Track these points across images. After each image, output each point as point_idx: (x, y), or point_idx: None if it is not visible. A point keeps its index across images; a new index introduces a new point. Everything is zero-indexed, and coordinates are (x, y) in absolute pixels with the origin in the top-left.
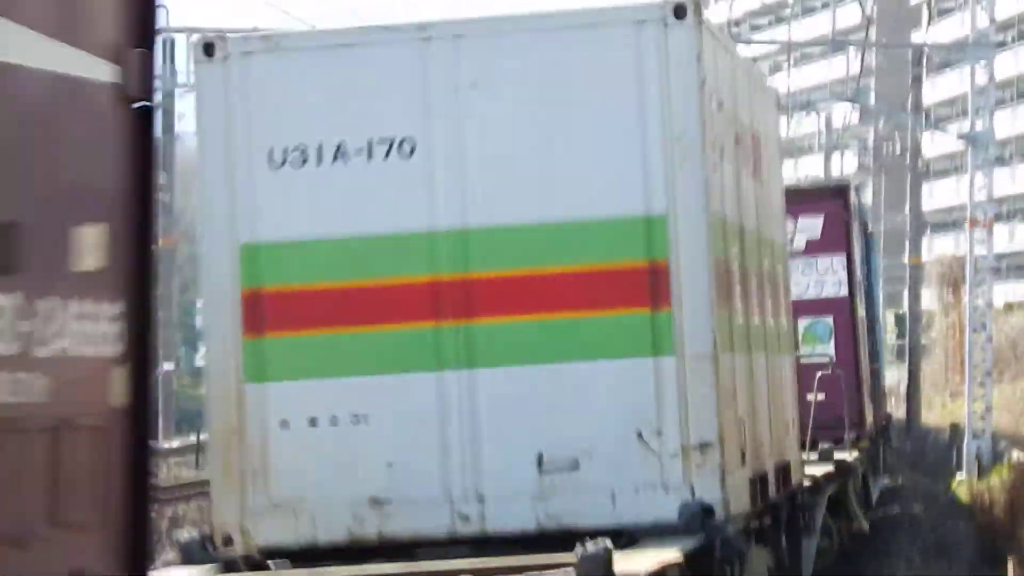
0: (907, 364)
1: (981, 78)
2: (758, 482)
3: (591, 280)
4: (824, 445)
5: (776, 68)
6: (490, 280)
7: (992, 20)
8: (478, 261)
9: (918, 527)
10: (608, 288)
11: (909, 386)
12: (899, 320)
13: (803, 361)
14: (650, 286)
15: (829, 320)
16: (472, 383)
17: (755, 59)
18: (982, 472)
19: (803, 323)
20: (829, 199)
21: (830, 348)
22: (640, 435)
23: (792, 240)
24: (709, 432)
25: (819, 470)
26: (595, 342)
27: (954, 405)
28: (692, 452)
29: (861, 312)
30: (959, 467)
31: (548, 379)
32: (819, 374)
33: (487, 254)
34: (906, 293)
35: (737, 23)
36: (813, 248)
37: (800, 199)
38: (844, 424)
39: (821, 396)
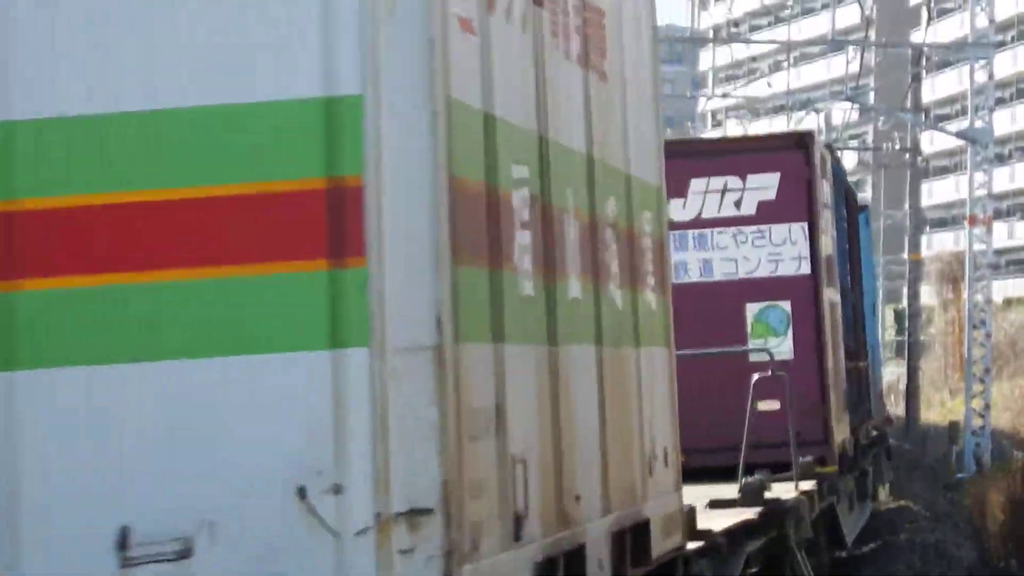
0: (906, 361)
1: (980, 77)
2: (561, 564)
3: (224, 212)
4: (750, 478)
5: (776, 68)
6: (48, 213)
7: (991, 21)
8: (29, 180)
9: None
10: (254, 226)
11: (909, 384)
12: (898, 316)
13: (752, 359)
14: (329, 223)
15: (786, 306)
16: (7, 397)
17: (755, 59)
18: (981, 472)
19: (752, 309)
20: (787, 152)
21: (786, 341)
22: (302, 494)
23: (739, 203)
24: (427, 489)
25: (731, 519)
26: (227, 324)
27: (954, 403)
28: (394, 526)
29: (832, 297)
30: (959, 468)
31: (139, 390)
32: (755, 376)
33: (46, 168)
34: (905, 289)
35: (737, 23)
36: (766, 214)
37: (749, 151)
38: (802, 442)
39: (772, 406)
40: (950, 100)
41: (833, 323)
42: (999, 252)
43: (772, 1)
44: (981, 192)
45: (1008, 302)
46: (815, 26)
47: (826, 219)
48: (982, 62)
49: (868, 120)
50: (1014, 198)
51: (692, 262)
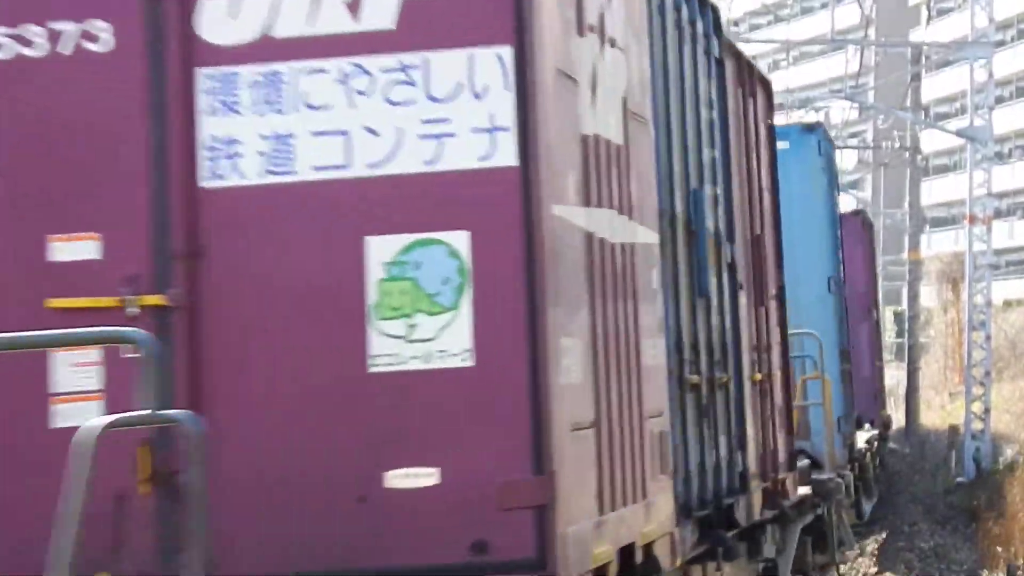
0: (906, 364)
1: (980, 76)
2: None
3: None
4: None
5: (775, 67)
6: None
7: (991, 19)
8: None
9: None
10: None
11: (908, 387)
12: (898, 318)
13: (377, 367)
14: None
15: (458, 241)
16: None
17: (754, 57)
18: (981, 476)
19: (381, 250)
20: None
21: (457, 325)
22: None
23: (356, 2)
24: None
25: None
26: None
27: (953, 406)
28: None
29: (609, 230)
30: (958, 472)
31: None
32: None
33: None
34: (905, 291)
35: (736, 23)
36: (417, 28)
37: None
38: (484, 567)
39: (422, 479)
40: (950, 99)
41: (609, 287)
42: (999, 252)
43: (772, 0)
44: (981, 191)
45: (1008, 303)
46: (814, 25)
47: (590, 52)
48: (982, 61)
49: (868, 119)
50: (1014, 197)
51: (248, 140)
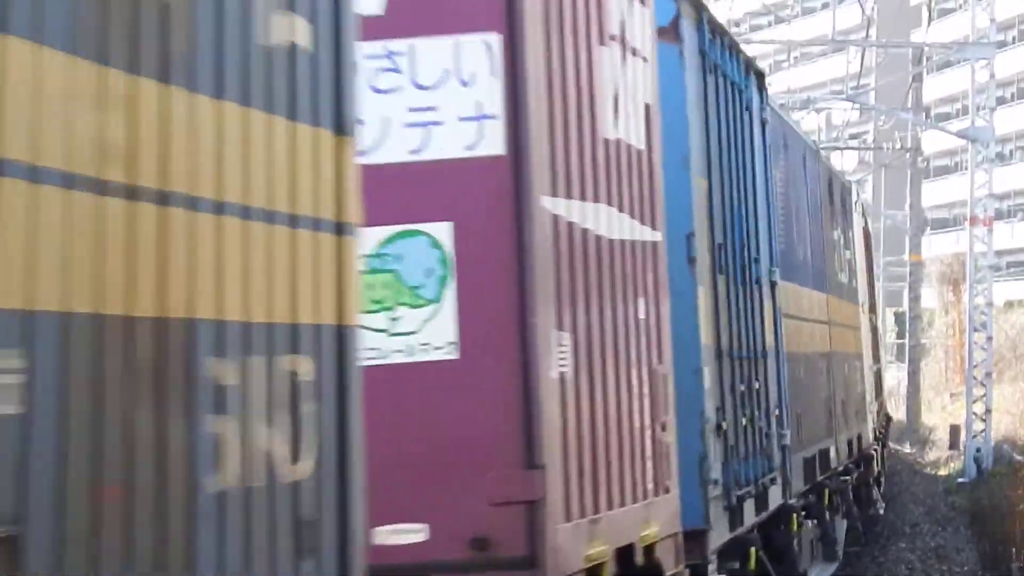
0: (907, 365)
1: (982, 77)
2: None
3: None
4: None
5: (776, 67)
6: None
7: (992, 20)
8: None
9: None
10: None
11: (909, 387)
12: (899, 319)
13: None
14: None
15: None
16: None
17: (755, 58)
18: (982, 476)
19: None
20: None
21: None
22: None
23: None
24: None
25: None
26: None
27: (954, 407)
28: None
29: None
30: (959, 472)
31: None
32: None
33: None
34: (906, 292)
35: (737, 23)
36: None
37: None
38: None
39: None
40: (951, 99)
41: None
42: (1000, 253)
43: (772, 1)
44: (982, 192)
45: (1009, 304)
46: (815, 26)
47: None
48: (983, 61)
49: (869, 120)
50: (1015, 198)
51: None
